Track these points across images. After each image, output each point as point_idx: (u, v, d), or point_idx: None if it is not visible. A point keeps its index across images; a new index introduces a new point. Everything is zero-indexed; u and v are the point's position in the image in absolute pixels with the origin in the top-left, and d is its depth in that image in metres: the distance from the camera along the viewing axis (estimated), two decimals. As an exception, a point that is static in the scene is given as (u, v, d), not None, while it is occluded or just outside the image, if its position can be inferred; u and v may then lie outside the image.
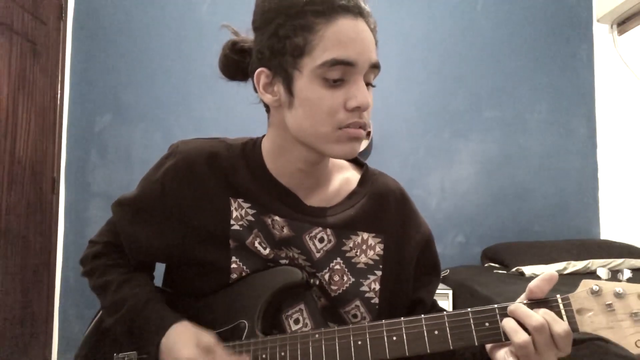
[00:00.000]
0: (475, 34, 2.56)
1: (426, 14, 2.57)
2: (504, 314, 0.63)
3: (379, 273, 0.80)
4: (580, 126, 2.54)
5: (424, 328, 0.65)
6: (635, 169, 2.32)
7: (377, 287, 0.80)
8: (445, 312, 0.65)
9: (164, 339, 0.73)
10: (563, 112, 2.54)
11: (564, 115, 2.54)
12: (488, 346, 0.66)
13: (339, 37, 0.66)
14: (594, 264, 2.03)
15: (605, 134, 2.51)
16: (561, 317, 0.60)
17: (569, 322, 0.60)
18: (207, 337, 0.73)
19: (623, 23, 2.37)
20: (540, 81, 2.55)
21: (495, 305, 0.64)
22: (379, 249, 0.81)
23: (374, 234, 0.81)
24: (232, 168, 0.79)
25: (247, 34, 0.78)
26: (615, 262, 2.04)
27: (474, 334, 0.63)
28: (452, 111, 2.54)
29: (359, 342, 0.67)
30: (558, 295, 0.62)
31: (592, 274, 1.97)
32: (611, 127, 2.48)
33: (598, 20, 2.43)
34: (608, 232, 2.46)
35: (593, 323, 0.59)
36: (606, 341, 0.58)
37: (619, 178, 2.42)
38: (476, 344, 0.63)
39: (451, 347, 0.64)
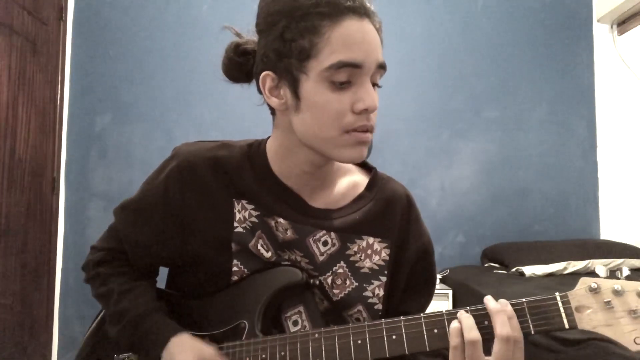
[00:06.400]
0: (475, 34, 2.56)
1: (426, 13, 2.57)
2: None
3: (384, 279, 0.79)
4: (580, 126, 2.54)
5: (424, 327, 0.65)
6: (635, 169, 2.32)
7: (381, 293, 0.78)
8: (444, 311, 0.65)
9: (164, 351, 0.73)
10: (563, 112, 2.54)
11: (564, 115, 2.54)
12: None
13: (346, 39, 0.64)
14: (594, 264, 2.03)
15: (605, 134, 2.51)
16: (560, 315, 0.61)
17: (568, 320, 0.60)
18: (209, 350, 0.73)
19: (623, 23, 2.37)
20: (540, 81, 2.55)
21: None
22: (384, 254, 0.79)
23: (379, 239, 0.79)
24: (236, 170, 0.78)
25: (247, 34, 0.77)
26: (615, 262, 2.04)
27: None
28: (452, 111, 2.54)
29: (359, 342, 0.67)
30: (557, 294, 0.62)
31: (592, 274, 1.97)
32: (611, 127, 2.48)
33: (598, 20, 2.44)
34: (608, 232, 2.46)
35: (592, 321, 0.59)
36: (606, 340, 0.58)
37: (619, 178, 2.42)
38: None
39: None
